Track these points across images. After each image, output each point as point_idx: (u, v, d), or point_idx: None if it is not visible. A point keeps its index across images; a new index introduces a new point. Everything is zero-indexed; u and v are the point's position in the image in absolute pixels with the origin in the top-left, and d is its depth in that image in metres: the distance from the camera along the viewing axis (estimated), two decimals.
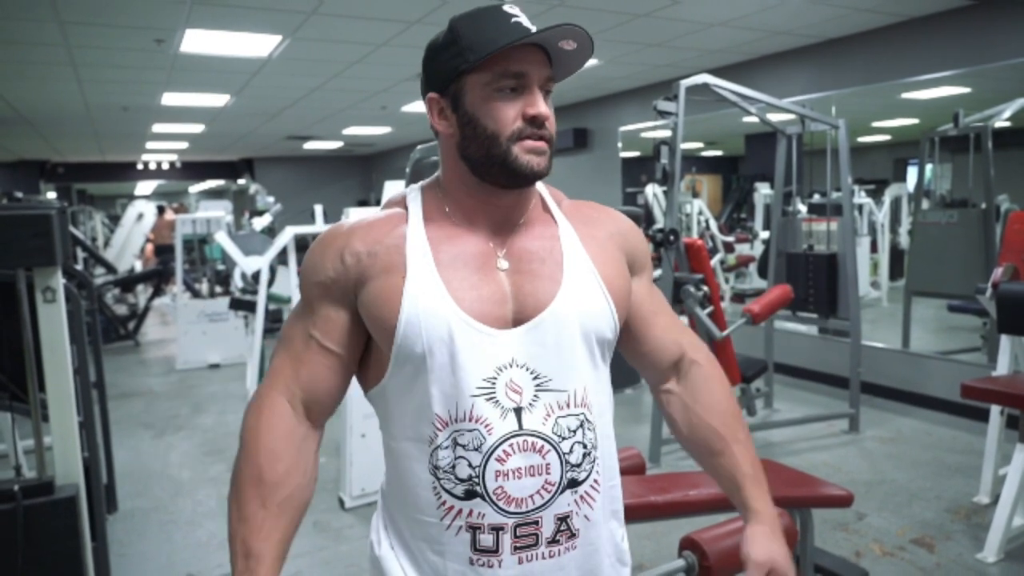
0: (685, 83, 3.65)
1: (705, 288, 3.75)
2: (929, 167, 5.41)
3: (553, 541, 0.92)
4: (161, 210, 10.61)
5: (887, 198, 7.31)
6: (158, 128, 8.84)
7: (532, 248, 0.97)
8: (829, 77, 5.15)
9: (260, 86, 6.30)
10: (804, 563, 2.18)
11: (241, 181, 14.61)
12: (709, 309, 3.79)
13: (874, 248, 7.19)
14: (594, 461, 0.94)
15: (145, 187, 18.49)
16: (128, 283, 8.46)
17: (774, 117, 4.53)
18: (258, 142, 11.03)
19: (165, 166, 13.82)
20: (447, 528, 0.91)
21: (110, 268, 8.00)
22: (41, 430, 2.21)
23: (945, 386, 4.36)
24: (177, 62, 5.22)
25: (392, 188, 3.38)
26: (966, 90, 4.82)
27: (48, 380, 2.14)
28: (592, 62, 5.62)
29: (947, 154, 5.41)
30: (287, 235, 5.24)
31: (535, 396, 0.91)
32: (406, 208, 1.00)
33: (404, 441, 0.95)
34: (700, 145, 9.15)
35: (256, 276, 5.40)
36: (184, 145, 11.14)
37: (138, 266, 9.78)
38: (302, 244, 5.22)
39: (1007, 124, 4.71)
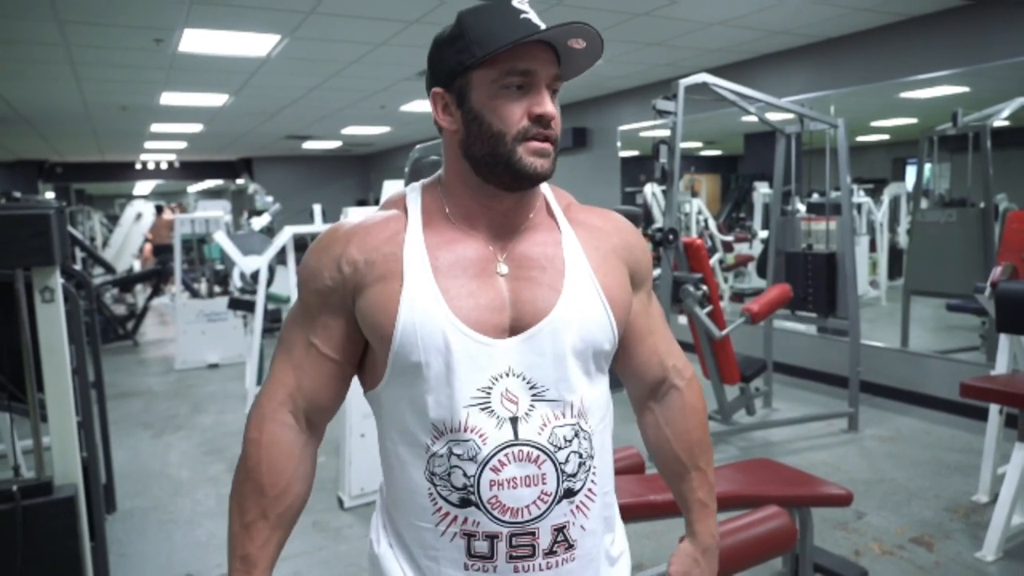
0: (684, 82, 3.65)
1: (704, 287, 3.75)
2: (928, 166, 5.41)
3: (550, 553, 0.91)
4: (160, 210, 10.60)
5: (886, 197, 7.32)
6: (157, 128, 8.84)
7: (533, 254, 0.96)
8: (828, 76, 5.15)
9: (259, 86, 6.30)
10: (803, 562, 2.18)
11: (240, 181, 14.60)
12: (708, 308, 3.79)
13: (873, 247, 7.20)
14: (589, 470, 0.94)
15: (144, 187, 18.48)
16: (127, 283, 8.45)
17: (773, 116, 4.53)
18: (257, 142, 11.03)
19: (164, 166, 13.82)
20: (442, 534, 0.91)
21: (109, 268, 7.99)
22: (40, 430, 2.21)
23: (944, 385, 4.36)
24: (176, 62, 5.21)
25: (391, 188, 3.38)
26: (965, 89, 4.82)
27: (47, 380, 2.14)
28: None
29: (946, 153, 5.41)
30: (286, 235, 5.23)
31: (531, 406, 0.90)
32: (405, 209, 0.98)
33: (401, 445, 0.94)
34: (699, 144, 9.15)
35: (255, 276, 5.39)
36: (183, 145, 11.13)
37: (137, 266, 9.78)
38: (301, 244, 5.22)
39: (1006, 123, 4.72)
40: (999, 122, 4.68)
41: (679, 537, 1.65)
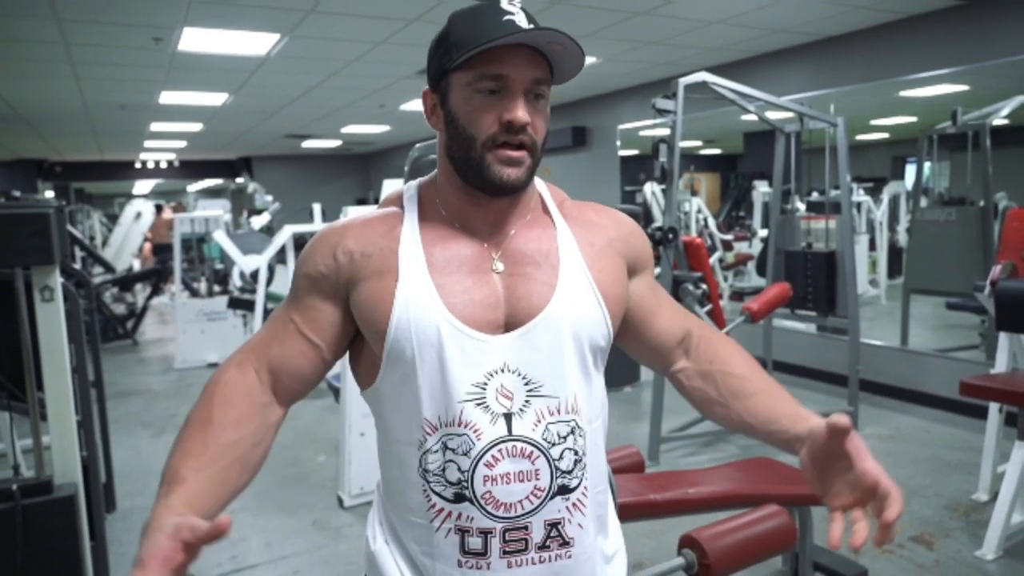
0: (684, 81, 3.65)
1: (704, 286, 3.75)
2: (927, 165, 5.42)
3: (543, 547, 0.91)
4: (159, 209, 10.60)
5: (885, 196, 7.32)
6: (156, 127, 8.83)
7: (528, 251, 0.96)
8: (828, 75, 5.15)
9: (258, 84, 6.30)
10: (803, 560, 2.18)
11: (239, 180, 14.59)
12: (708, 307, 3.79)
13: (872, 246, 7.20)
14: (584, 467, 0.94)
15: (143, 186, 18.47)
16: (126, 282, 8.45)
17: (773, 115, 4.53)
18: (256, 141, 11.02)
19: (163, 165, 13.81)
20: (436, 530, 0.91)
21: (108, 267, 7.99)
22: (39, 429, 2.21)
23: (944, 384, 4.36)
24: (175, 60, 5.21)
25: (391, 187, 3.38)
26: (964, 88, 4.82)
27: (46, 379, 2.14)
28: (591, 60, 5.62)
29: (945, 152, 5.41)
30: (285, 234, 5.24)
31: (526, 401, 0.90)
32: (402, 207, 0.99)
33: (396, 443, 0.95)
34: (699, 143, 9.15)
35: (254, 275, 5.40)
36: (182, 144, 11.13)
37: (136, 265, 9.77)
38: (300, 243, 5.23)
39: (1005, 122, 4.72)
40: (998, 121, 4.68)
41: (679, 535, 1.65)
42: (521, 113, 0.88)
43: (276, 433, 0.97)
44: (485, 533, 0.90)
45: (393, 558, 0.97)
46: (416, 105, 7.62)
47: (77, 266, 6.17)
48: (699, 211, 8.00)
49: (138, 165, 13.70)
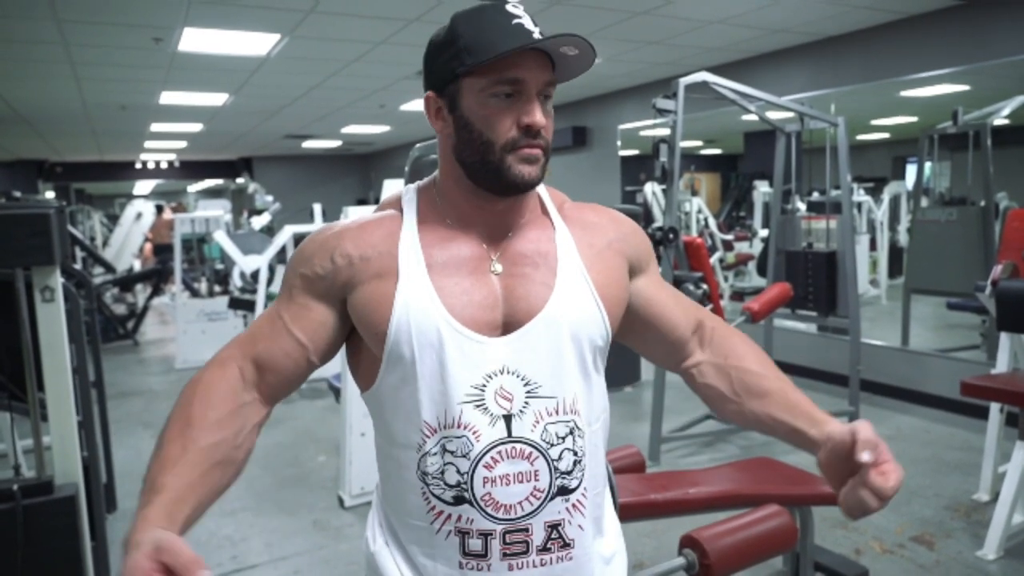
0: (684, 81, 3.65)
1: (704, 286, 3.75)
2: (928, 165, 5.41)
3: (544, 549, 0.91)
4: (160, 209, 10.60)
5: (886, 196, 7.32)
6: (156, 127, 8.83)
7: (527, 252, 0.96)
8: (828, 75, 5.14)
9: (258, 85, 6.30)
10: (804, 561, 2.18)
11: (240, 180, 14.59)
12: (708, 307, 3.79)
13: (873, 246, 7.20)
14: (584, 468, 0.94)
15: (144, 186, 18.47)
16: (127, 282, 8.45)
17: (773, 115, 4.53)
18: (257, 141, 11.02)
19: (164, 165, 13.81)
20: (437, 532, 0.91)
21: (109, 267, 7.99)
22: (40, 429, 2.21)
23: (944, 384, 4.36)
24: (175, 61, 5.21)
25: (391, 187, 3.38)
26: (965, 88, 4.81)
27: (47, 379, 2.14)
28: None
29: (946, 152, 5.41)
30: (286, 234, 5.24)
31: (525, 403, 0.90)
32: (401, 210, 0.99)
33: (395, 446, 0.95)
34: (699, 143, 9.15)
35: (255, 275, 5.40)
36: (182, 144, 11.13)
37: (137, 265, 9.77)
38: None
39: (1006, 122, 4.71)
40: (999, 120, 4.68)
41: (680, 535, 1.65)
42: (539, 117, 0.90)
43: (259, 432, 0.95)
44: (485, 535, 0.90)
45: (393, 559, 0.97)
46: (416, 105, 7.62)
47: (78, 266, 6.17)
48: (700, 211, 8.00)
49: (138, 165, 13.70)
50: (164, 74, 5.69)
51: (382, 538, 0.99)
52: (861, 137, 7.37)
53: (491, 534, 0.89)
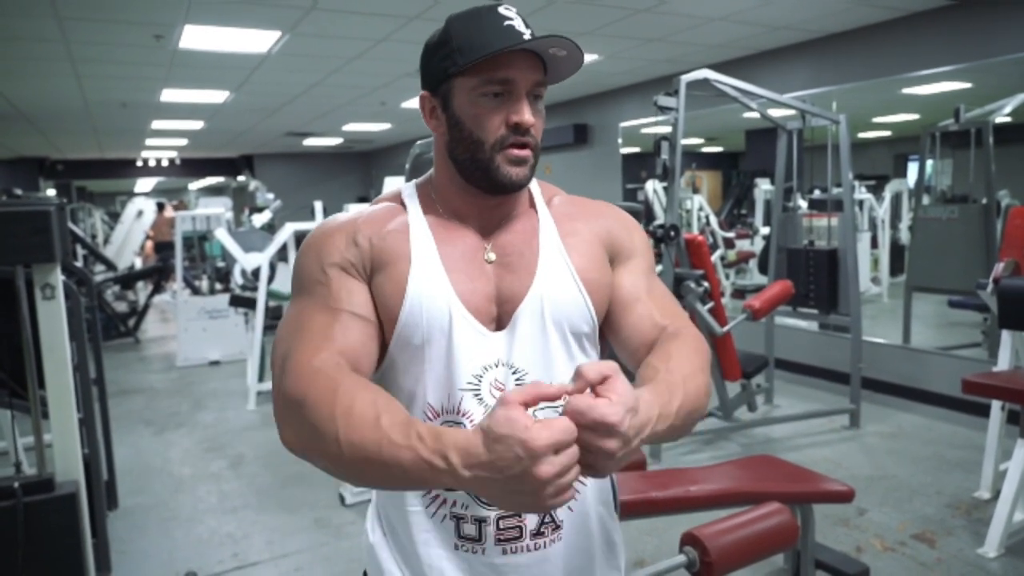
0: (685, 78, 3.64)
1: (706, 284, 3.75)
2: (930, 163, 5.40)
3: (538, 534, 0.94)
4: (161, 207, 10.60)
5: (887, 194, 7.31)
6: (157, 125, 8.83)
7: (514, 242, 0.99)
8: (830, 72, 5.13)
9: (259, 82, 6.29)
10: (805, 558, 2.18)
11: (241, 178, 14.59)
12: (710, 305, 3.78)
13: (874, 244, 7.19)
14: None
15: (145, 184, 18.47)
16: (128, 280, 8.46)
17: (775, 113, 4.52)
18: (257, 139, 11.02)
19: (165, 163, 13.80)
20: (432, 515, 0.94)
21: (110, 265, 7.99)
22: (41, 427, 2.21)
23: (946, 381, 4.36)
24: (176, 58, 5.20)
25: (392, 184, 3.38)
26: (967, 85, 4.80)
27: (48, 377, 2.14)
28: (592, 57, 5.62)
29: (948, 149, 5.40)
30: (287, 232, 5.24)
31: None
32: (401, 203, 1.01)
33: None
34: (700, 141, 9.14)
35: (256, 273, 5.40)
36: (183, 142, 11.12)
37: (138, 263, 9.78)
38: (302, 241, 5.22)
39: (1008, 119, 4.70)
40: (1001, 118, 4.67)
41: (681, 533, 1.65)
42: (528, 116, 0.91)
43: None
44: (479, 521, 0.93)
45: (390, 550, 0.99)
46: (416, 103, 7.56)
47: (79, 264, 6.18)
48: (701, 209, 7.99)
49: (139, 163, 13.70)
50: (165, 71, 5.69)
51: (380, 530, 1.02)
52: (862, 135, 7.36)
53: (485, 520, 0.93)
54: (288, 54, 5.21)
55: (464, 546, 0.93)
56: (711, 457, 3.78)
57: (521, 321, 0.94)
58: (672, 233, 3.69)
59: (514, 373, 0.93)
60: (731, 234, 8.19)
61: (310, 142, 11.73)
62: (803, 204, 5.17)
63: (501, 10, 0.91)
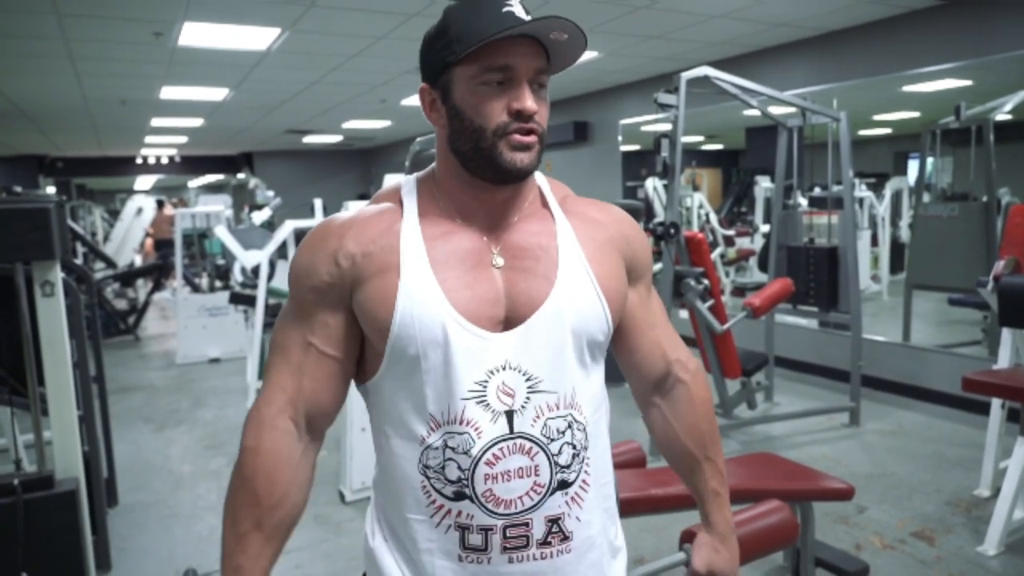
0: (686, 75, 3.64)
1: (706, 282, 3.75)
2: (930, 160, 5.40)
3: (545, 543, 0.91)
4: (160, 204, 10.60)
5: (888, 191, 7.31)
6: (157, 122, 8.82)
7: (527, 245, 0.95)
8: (830, 70, 5.13)
9: (259, 80, 6.29)
10: (804, 556, 2.18)
11: (241, 175, 14.59)
12: (710, 303, 3.78)
13: (875, 242, 7.19)
14: (583, 461, 0.93)
15: (144, 182, 18.48)
16: (128, 277, 8.45)
17: (775, 110, 4.51)
18: (257, 136, 11.01)
19: (164, 160, 13.81)
20: (436, 526, 0.91)
21: (109, 263, 7.99)
22: (41, 424, 2.21)
23: (946, 379, 4.36)
24: (176, 55, 5.20)
25: (392, 181, 3.38)
26: (967, 83, 4.80)
27: (47, 374, 2.14)
28: (592, 55, 5.61)
29: (948, 147, 5.40)
30: (287, 229, 5.23)
31: (527, 398, 0.90)
32: (400, 202, 0.98)
33: (396, 438, 0.94)
34: (701, 138, 9.13)
35: (256, 270, 5.39)
36: (183, 139, 11.12)
37: (138, 261, 9.78)
38: (302, 239, 5.22)
39: (1008, 117, 4.70)
40: (1002, 116, 4.67)
41: (680, 530, 1.65)
42: (530, 102, 0.89)
43: (316, 460, 1.00)
44: (485, 530, 0.89)
45: (391, 554, 0.96)
46: (417, 100, 7.58)
47: (78, 262, 6.18)
48: (701, 206, 7.99)
49: (139, 161, 13.70)
50: (164, 69, 5.68)
51: (381, 534, 0.99)
52: (863, 132, 7.35)
53: (491, 529, 0.89)
54: (288, 51, 5.21)
55: (469, 556, 0.90)
56: None
57: (537, 327, 0.91)
58: (672, 231, 3.69)
59: (527, 380, 0.90)
60: (731, 232, 8.19)
61: (310, 139, 11.72)
62: (803, 202, 5.17)
63: None
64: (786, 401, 4.71)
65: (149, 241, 10.93)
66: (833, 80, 5.10)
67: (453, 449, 0.89)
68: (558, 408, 0.91)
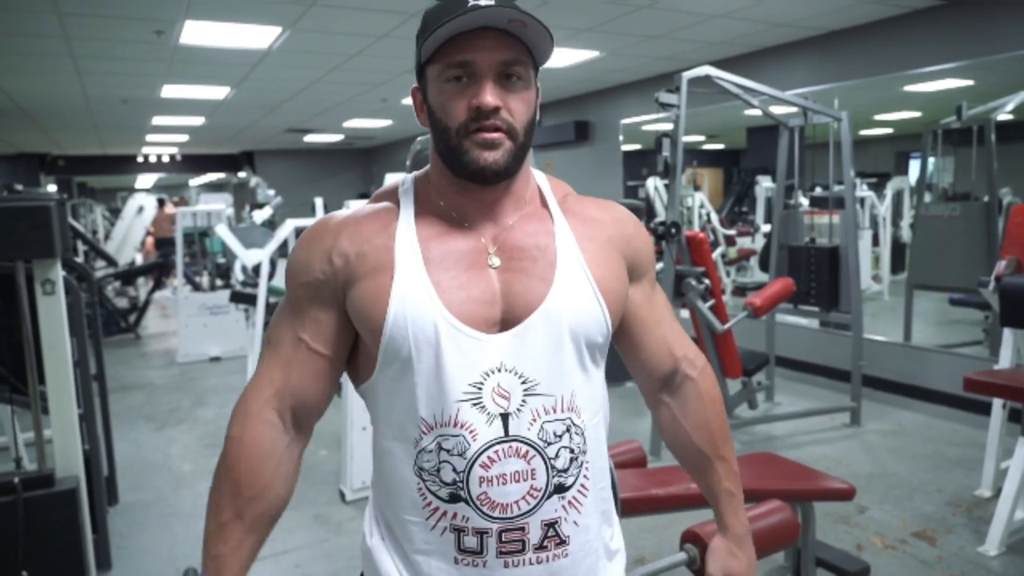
0: (687, 75, 3.63)
1: (707, 281, 3.74)
2: (931, 160, 5.39)
3: (541, 547, 0.90)
4: (161, 203, 10.59)
5: (889, 191, 7.30)
6: (158, 121, 8.83)
7: (525, 245, 0.94)
8: (832, 69, 5.12)
9: (260, 78, 6.28)
10: (805, 556, 2.18)
11: (241, 174, 14.59)
12: (711, 302, 3.78)
13: (876, 241, 7.19)
14: (581, 465, 0.93)
15: (146, 180, 18.49)
16: (129, 276, 8.45)
17: (776, 110, 4.51)
18: (258, 135, 11.01)
19: (165, 159, 13.81)
20: (432, 528, 0.91)
21: (111, 261, 7.99)
22: (41, 422, 2.21)
23: (946, 379, 4.36)
24: (177, 54, 5.20)
25: (393, 180, 3.37)
26: (969, 83, 4.79)
27: (48, 373, 2.14)
28: (593, 54, 5.61)
29: (949, 147, 5.39)
30: (287, 228, 5.23)
31: (523, 401, 0.89)
32: (397, 201, 0.98)
33: (391, 440, 0.94)
34: (702, 138, 9.13)
35: (256, 269, 5.39)
36: (184, 138, 11.12)
37: (139, 259, 9.77)
38: None
39: (1010, 117, 4.69)
40: (1003, 116, 4.66)
41: (681, 531, 1.64)
42: (488, 97, 0.86)
43: (302, 457, 1.01)
44: (481, 533, 0.89)
45: (389, 554, 0.96)
46: None
47: (79, 260, 6.18)
48: (702, 206, 7.99)
49: (140, 159, 13.71)
50: (165, 67, 5.68)
51: (378, 534, 0.99)
52: (864, 132, 7.35)
53: (487, 532, 0.88)
54: (289, 50, 5.21)
55: (465, 559, 0.90)
56: None
57: (534, 329, 0.89)
58: (673, 230, 3.68)
59: (523, 383, 0.89)
60: (732, 231, 8.19)
61: (311, 138, 11.72)
62: (804, 201, 5.16)
63: None
64: (787, 401, 4.70)
65: (150, 240, 10.93)
66: (834, 80, 5.09)
67: (448, 451, 0.88)
68: (555, 411, 0.90)
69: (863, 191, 6.98)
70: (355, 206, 1.04)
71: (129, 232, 8.96)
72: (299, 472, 1.00)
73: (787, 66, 5.45)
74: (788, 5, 4.39)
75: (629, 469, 2.15)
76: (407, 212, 0.95)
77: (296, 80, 6.50)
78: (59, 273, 2.13)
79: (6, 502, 1.97)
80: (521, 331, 0.90)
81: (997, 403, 3.15)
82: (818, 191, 6.03)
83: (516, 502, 0.88)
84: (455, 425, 0.87)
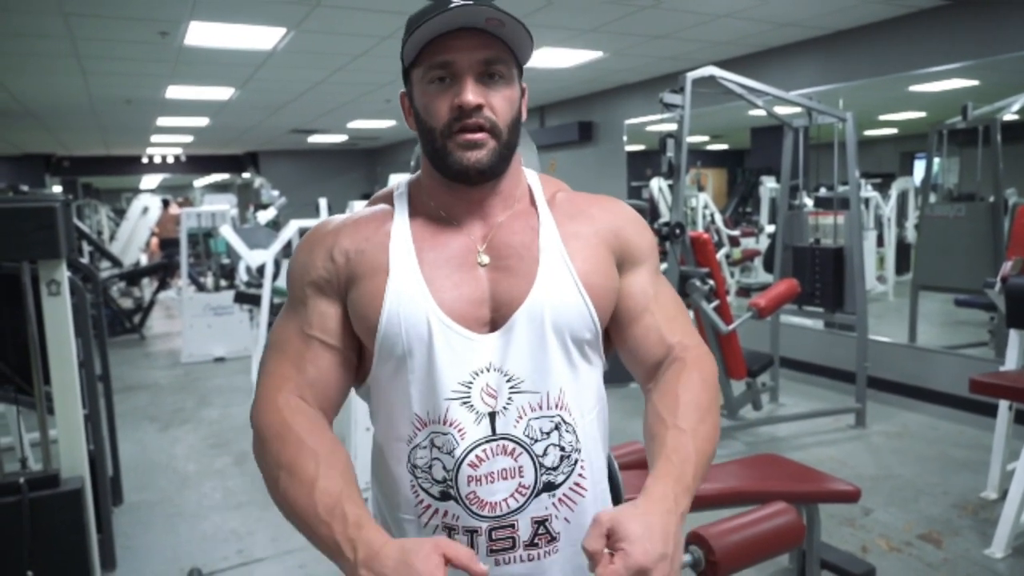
0: (691, 75, 3.63)
1: (711, 282, 3.74)
2: (937, 160, 5.38)
3: (531, 544, 0.90)
4: (166, 204, 10.62)
5: (894, 192, 7.28)
6: (163, 121, 8.84)
7: (512, 243, 0.94)
8: (836, 69, 5.11)
9: (265, 79, 6.29)
10: (810, 558, 2.17)
11: (246, 175, 14.62)
12: (715, 303, 3.77)
13: (881, 242, 7.16)
14: (575, 464, 0.92)
15: (150, 181, 18.53)
16: (133, 276, 8.48)
17: (781, 110, 4.50)
18: (263, 136, 11.03)
19: (170, 160, 13.84)
20: (424, 526, 0.91)
21: (115, 261, 8.02)
22: (46, 423, 2.21)
23: (952, 381, 4.34)
24: (181, 55, 5.21)
25: (396, 181, 3.38)
26: (974, 83, 4.77)
27: (53, 373, 2.14)
28: (597, 54, 5.61)
29: (955, 147, 5.37)
30: (292, 228, 5.24)
31: (509, 399, 0.89)
32: (393, 204, 1.00)
33: (386, 438, 0.95)
34: (706, 138, 9.11)
35: (261, 270, 5.41)
36: (189, 139, 11.14)
37: (143, 260, 9.80)
38: None
39: (1016, 117, 4.67)
40: (1009, 116, 4.64)
41: (685, 532, 1.64)
42: (469, 96, 0.87)
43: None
44: (471, 532, 0.89)
45: None
46: None
47: (85, 260, 6.20)
48: (706, 207, 7.97)
49: (145, 160, 13.74)
50: (170, 68, 5.69)
51: None
52: (869, 132, 7.32)
53: (477, 531, 0.89)
54: (293, 51, 5.21)
55: None
56: (716, 456, 3.77)
57: (518, 327, 0.90)
58: (677, 231, 3.68)
59: (508, 381, 0.90)
60: (736, 232, 8.18)
61: (315, 139, 11.74)
62: (809, 202, 5.15)
63: None
64: (791, 402, 4.69)
65: (155, 240, 10.95)
66: (839, 80, 5.08)
67: (439, 448, 0.89)
68: (541, 408, 0.91)
69: (868, 191, 6.96)
70: (358, 207, 1.05)
71: (134, 233, 8.98)
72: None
73: (791, 66, 5.44)
74: (792, 5, 4.38)
75: (632, 470, 2.15)
76: (401, 214, 0.97)
77: (300, 81, 6.51)
78: (64, 274, 2.13)
79: (11, 502, 1.97)
80: (507, 330, 0.91)
81: (1003, 405, 3.13)
82: (822, 191, 6.02)
83: (504, 500, 0.89)
84: (445, 423, 0.89)
